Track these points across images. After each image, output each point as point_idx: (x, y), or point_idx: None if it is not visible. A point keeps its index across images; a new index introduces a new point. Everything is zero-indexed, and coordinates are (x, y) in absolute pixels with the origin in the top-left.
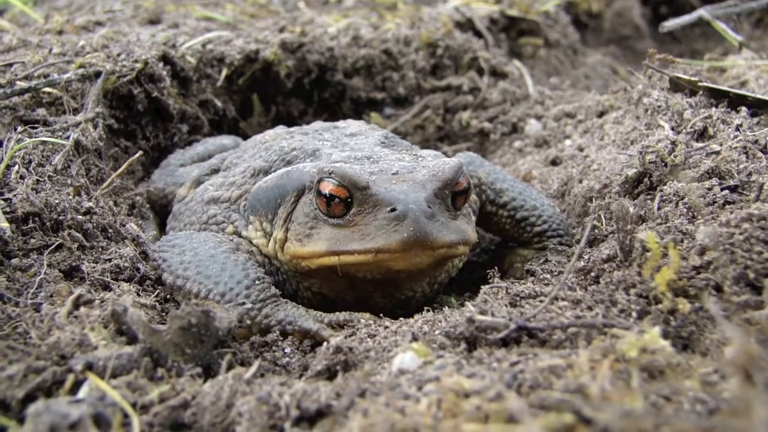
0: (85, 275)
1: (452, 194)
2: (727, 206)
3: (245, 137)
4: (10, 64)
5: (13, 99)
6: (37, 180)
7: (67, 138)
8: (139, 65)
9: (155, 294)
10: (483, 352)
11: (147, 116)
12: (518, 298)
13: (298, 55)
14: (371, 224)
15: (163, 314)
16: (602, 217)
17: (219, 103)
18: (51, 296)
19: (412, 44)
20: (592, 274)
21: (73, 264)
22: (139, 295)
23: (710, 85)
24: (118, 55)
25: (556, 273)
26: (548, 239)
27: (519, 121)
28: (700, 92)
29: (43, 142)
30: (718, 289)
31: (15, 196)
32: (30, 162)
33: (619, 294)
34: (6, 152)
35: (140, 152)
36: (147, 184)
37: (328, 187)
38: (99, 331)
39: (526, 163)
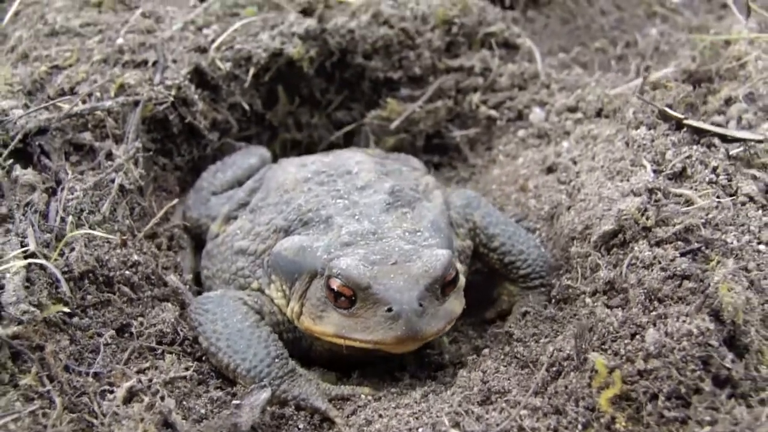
0: (134, 335)
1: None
2: (684, 283)
3: (271, 127)
4: (57, 67)
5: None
6: (89, 231)
7: (112, 181)
8: (173, 92)
9: (193, 356)
10: None
11: (181, 136)
12: (490, 393)
13: (319, 42)
14: (371, 319)
15: (200, 376)
16: (579, 269)
17: (246, 106)
18: (109, 375)
19: (429, 22)
20: (554, 368)
21: (124, 322)
22: (179, 360)
23: (694, 123)
24: (152, 76)
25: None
26: (531, 281)
27: (524, 108)
28: (684, 129)
29: (93, 186)
30: (655, 396)
31: (71, 253)
32: (82, 211)
33: (569, 405)
34: (61, 203)
35: (175, 200)
36: (183, 206)
37: (335, 284)
38: (151, 429)
39: (526, 164)
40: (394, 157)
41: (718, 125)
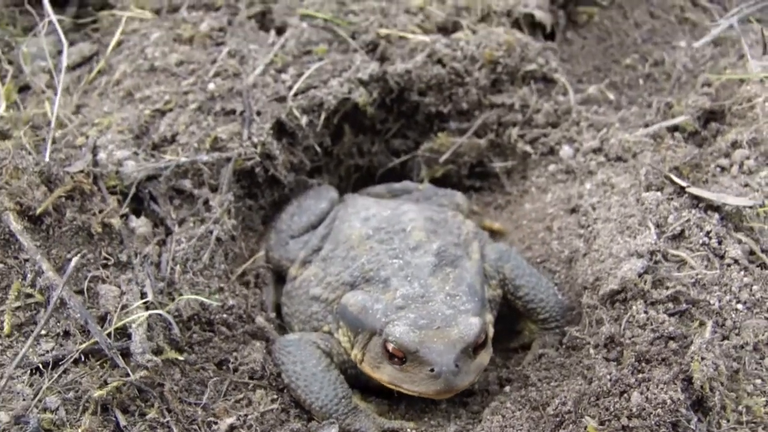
0: (230, 369)
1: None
2: (669, 343)
3: (337, 159)
4: (159, 110)
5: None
6: (192, 277)
7: (211, 233)
8: (258, 149)
9: (277, 388)
10: None
11: (265, 183)
12: None
13: (380, 83)
14: (418, 375)
15: (283, 406)
16: (587, 320)
17: (318, 148)
18: (213, 408)
19: (477, 61)
20: (557, 419)
21: (222, 357)
22: (267, 394)
23: (695, 192)
24: (241, 130)
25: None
26: (548, 323)
27: (556, 144)
28: (686, 195)
29: (197, 239)
30: None
31: (180, 300)
32: (187, 260)
33: None
34: (170, 254)
35: (261, 252)
36: (265, 244)
37: (390, 346)
38: None
39: (553, 202)
40: (441, 193)
41: (723, 169)
